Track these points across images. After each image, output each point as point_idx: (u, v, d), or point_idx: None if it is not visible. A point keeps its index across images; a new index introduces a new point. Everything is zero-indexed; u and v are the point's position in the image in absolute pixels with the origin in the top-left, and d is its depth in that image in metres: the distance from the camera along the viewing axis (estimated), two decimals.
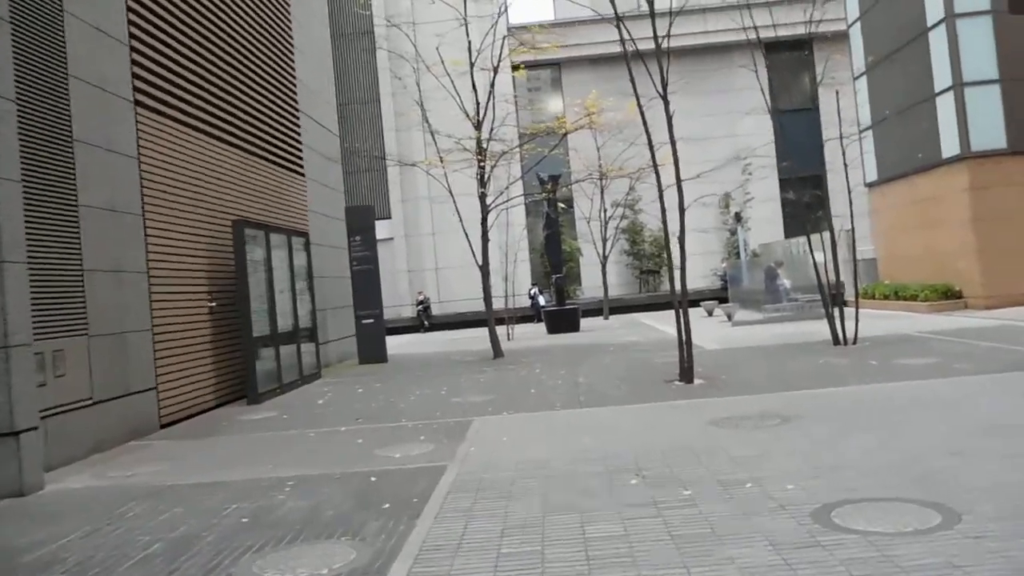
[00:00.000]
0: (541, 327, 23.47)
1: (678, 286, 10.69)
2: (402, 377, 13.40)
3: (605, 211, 27.05)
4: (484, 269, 15.33)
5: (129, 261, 9.41)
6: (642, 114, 10.34)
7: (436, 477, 5.97)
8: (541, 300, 28.82)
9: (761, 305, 19.54)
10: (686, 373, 9.88)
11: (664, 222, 10.69)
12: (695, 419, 7.45)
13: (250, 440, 8.51)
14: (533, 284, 30.31)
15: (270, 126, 14.43)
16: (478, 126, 14.88)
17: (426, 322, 29.78)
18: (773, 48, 33.60)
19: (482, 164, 14.95)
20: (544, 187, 21.95)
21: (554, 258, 23.00)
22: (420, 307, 30.15)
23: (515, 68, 16.68)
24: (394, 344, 22.37)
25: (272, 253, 12.45)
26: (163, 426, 9.78)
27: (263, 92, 14.13)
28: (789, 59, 28.98)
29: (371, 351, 16.65)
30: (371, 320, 16.69)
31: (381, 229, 32.40)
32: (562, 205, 26.49)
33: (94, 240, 8.68)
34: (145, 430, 9.39)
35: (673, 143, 10.33)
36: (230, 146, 12.63)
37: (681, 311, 10.27)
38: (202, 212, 11.42)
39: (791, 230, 30.58)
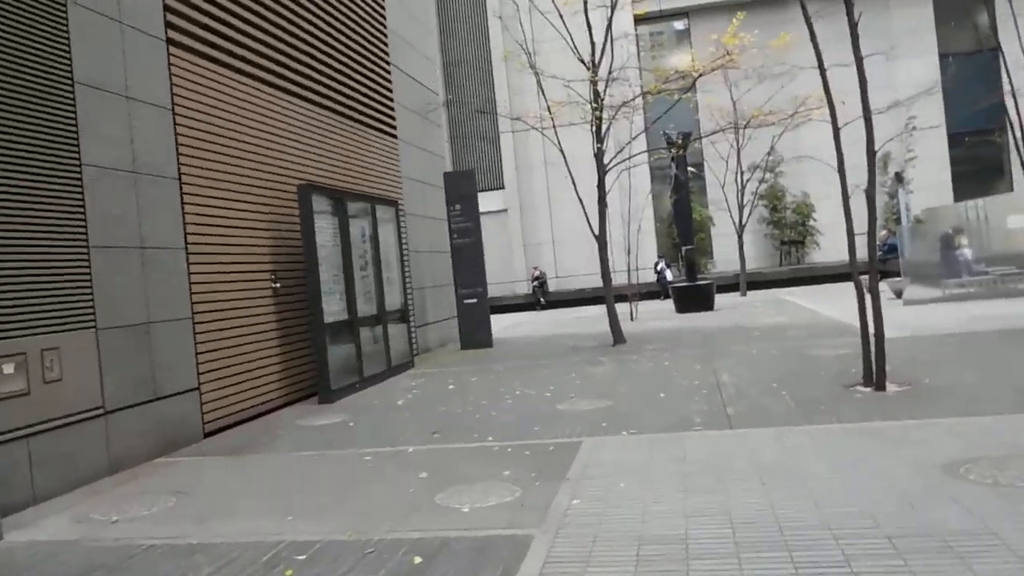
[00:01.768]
0: (669, 305, 20.89)
1: (857, 255, 8.09)
2: (504, 368, 11.30)
3: (742, 174, 24.04)
4: (601, 240, 13.00)
5: (160, 235, 7.63)
6: (809, 25, 7.76)
7: (512, 563, 3.79)
8: (668, 275, 26.17)
9: (940, 280, 16.32)
10: (875, 377, 7.30)
11: (841, 169, 8.05)
12: (916, 460, 4.93)
13: (292, 462, 6.57)
14: (660, 257, 27.61)
15: (353, 79, 12.52)
16: (593, 68, 12.47)
17: (542, 299, 27.69)
18: None
19: (598, 115, 12.56)
20: (672, 146, 19.29)
21: (683, 227, 20.33)
22: (536, 283, 28.07)
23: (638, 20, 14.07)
24: (505, 324, 20.40)
25: (351, 224, 10.55)
26: (207, 435, 8.03)
27: (344, 39, 12.21)
28: None
29: (474, 335, 14.64)
30: (474, 300, 14.66)
31: (494, 200, 30.68)
32: (692, 169, 23.75)
33: (104, 209, 6.91)
34: (184, 440, 7.65)
35: (859, 60, 7.68)
36: (301, 100, 10.78)
37: (866, 289, 7.67)
38: (262, 176, 9.60)
39: (961, 193, 26.64)
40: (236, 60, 9.30)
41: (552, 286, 28.67)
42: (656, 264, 26.95)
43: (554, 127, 13.16)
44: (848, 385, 7.60)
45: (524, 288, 28.82)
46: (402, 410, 8.60)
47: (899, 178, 26.40)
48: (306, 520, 4.81)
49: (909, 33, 27.81)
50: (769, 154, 24.91)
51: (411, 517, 4.71)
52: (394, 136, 14.12)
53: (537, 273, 28.08)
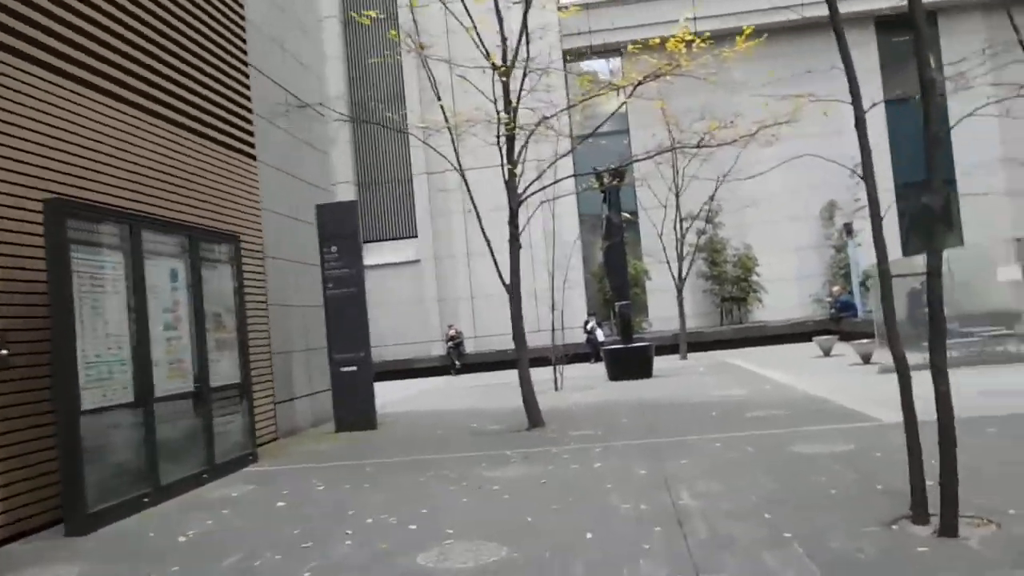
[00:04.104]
0: (600, 369, 17.97)
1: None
2: (373, 467, 8.11)
3: (681, 221, 21.50)
4: (513, 291, 10.06)
5: None
6: (845, 54, 5.04)
7: None
8: (600, 335, 23.31)
9: (919, 343, 13.77)
10: (941, 510, 4.38)
11: (869, 183, 5.17)
12: None
13: None
14: (591, 314, 24.77)
15: (189, 77, 9.44)
16: (504, 63, 9.65)
17: (457, 363, 24.51)
18: (885, 25, 28.20)
19: (509, 126, 9.70)
20: (601, 181, 16.61)
21: (617, 280, 17.51)
22: (451, 344, 24.89)
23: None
24: (411, 393, 17.30)
25: (150, 264, 7.34)
26: None
27: (174, 26, 9.13)
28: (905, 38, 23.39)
29: (352, 413, 11.41)
30: (352, 367, 11.45)
31: (406, 249, 27.57)
32: (626, 214, 21.14)
33: None
34: None
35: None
36: (103, 95, 7.63)
37: (937, 363, 4.78)
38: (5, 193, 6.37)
39: (911, 247, 24.65)
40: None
41: (470, 346, 25.53)
42: (586, 322, 24.11)
43: (452, 140, 10.26)
44: (889, 522, 4.66)
45: (440, 349, 25.61)
46: (173, 556, 5.32)
47: (848, 230, 24.35)
48: None
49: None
50: (708, 203, 22.48)
51: None
52: (250, 156, 10.99)
53: (453, 332, 24.93)
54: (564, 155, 10.62)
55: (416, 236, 26.61)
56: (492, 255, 10.53)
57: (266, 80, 11.74)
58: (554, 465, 7.40)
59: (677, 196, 21.18)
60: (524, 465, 7.56)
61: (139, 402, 6.98)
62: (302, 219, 12.45)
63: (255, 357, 10.47)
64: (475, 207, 10.52)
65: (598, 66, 27.48)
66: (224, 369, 8.70)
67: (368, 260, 27.33)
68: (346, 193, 26.50)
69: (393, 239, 27.10)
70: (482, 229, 10.51)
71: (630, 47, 10.51)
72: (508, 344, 24.81)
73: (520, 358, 10.24)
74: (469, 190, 10.60)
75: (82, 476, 6.11)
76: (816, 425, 8.42)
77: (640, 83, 9.96)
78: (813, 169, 26.21)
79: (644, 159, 12.33)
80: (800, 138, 26.29)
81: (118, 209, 7.36)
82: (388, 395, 17.65)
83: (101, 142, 7.67)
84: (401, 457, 8.68)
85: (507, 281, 10.15)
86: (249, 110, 11.06)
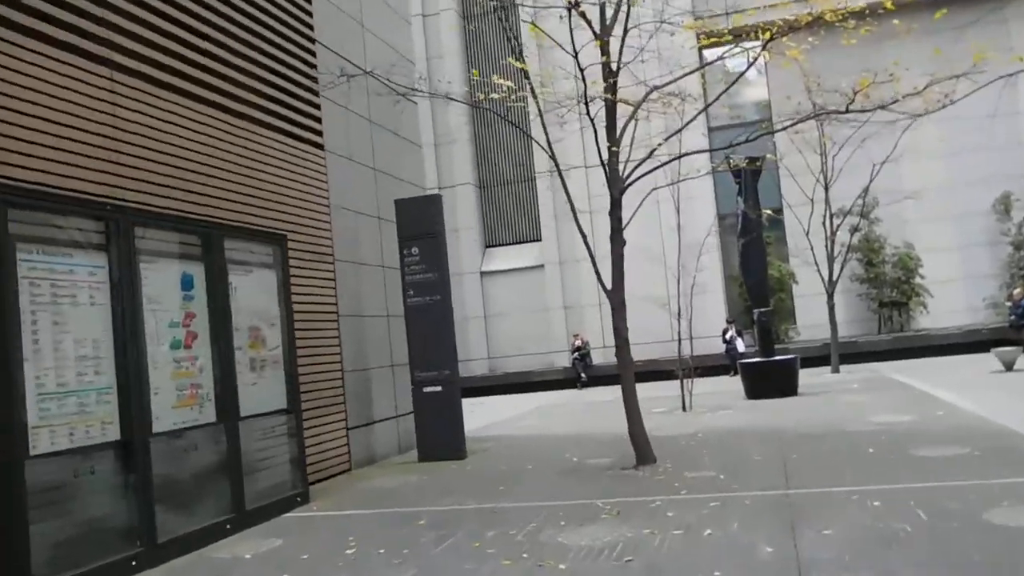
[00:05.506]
0: (739, 383, 15.68)
1: None
2: (427, 522, 6.45)
3: (831, 216, 18.85)
4: (614, 296, 8.25)
5: None
6: None
7: None
8: (740, 345, 20.90)
9: None
10: None
11: None
12: None
13: None
14: (730, 321, 22.32)
15: (237, 53, 8.19)
16: (602, 27, 7.88)
17: (583, 375, 22.67)
18: None
19: (610, 95, 7.90)
20: (735, 175, 14.51)
21: (754, 282, 15.24)
22: (576, 354, 23.09)
23: None
24: (527, 409, 15.80)
25: (149, 269, 6.03)
26: None
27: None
28: None
29: (437, 441, 9.85)
30: (437, 387, 9.90)
31: (528, 254, 26.07)
32: (768, 211, 18.79)
33: None
34: None
35: None
36: (126, 74, 6.42)
37: None
38: None
39: None
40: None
41: (599, 357, 23.60)
42: (725, 331, 21.73)
43: (541, 118, 8.56)
44: None
45: (565, 360, 23.86)
46: None
47: None
48: None
49: None
50: (863, 195, 19.65)
51: None
52: (316, 146, 9.67)
53: (579, 343, 23.11)
54: (682, 128, 8.63)
55: (540, 239, 25.01)
56: (592, 260, 8.80)
57: (337, 58, 10.38)
58: (652, 527, 5.51)
59: (826, 188, 18.57)
60: (612, 525, 5.70)
61: (129, 440, 5.63)
62: (385, 217, 11.04)
63: (322, 377, 9.15)
64: (570, 200, 8.77)
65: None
66: (263, 394, 7.31)
67: (487, 266, 26.29)
68: (466, 195, 25.29)
69: (515, 243, 25.63)
70: (579, 226, 8.78)
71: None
72: (641, 354, 22.89)
73: (624, 380, 8.42)
74: (562, 176, 8.85)
75: (25, 539, 4.78)
76: (1017, 475, 6.13)
77: (775, 36, 7.88)
78: (983, 157, 23.00)
79: (781, 130, 10.11)
80: (966, 119, 23.00)
81: (99, 199, 6.05)
82: (500, 413, 16.15)
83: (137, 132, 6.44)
84: (471, 503, 7.01)
85: (607, 286, 8.34)
86: (315, 92, 9.74)
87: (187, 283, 6.48)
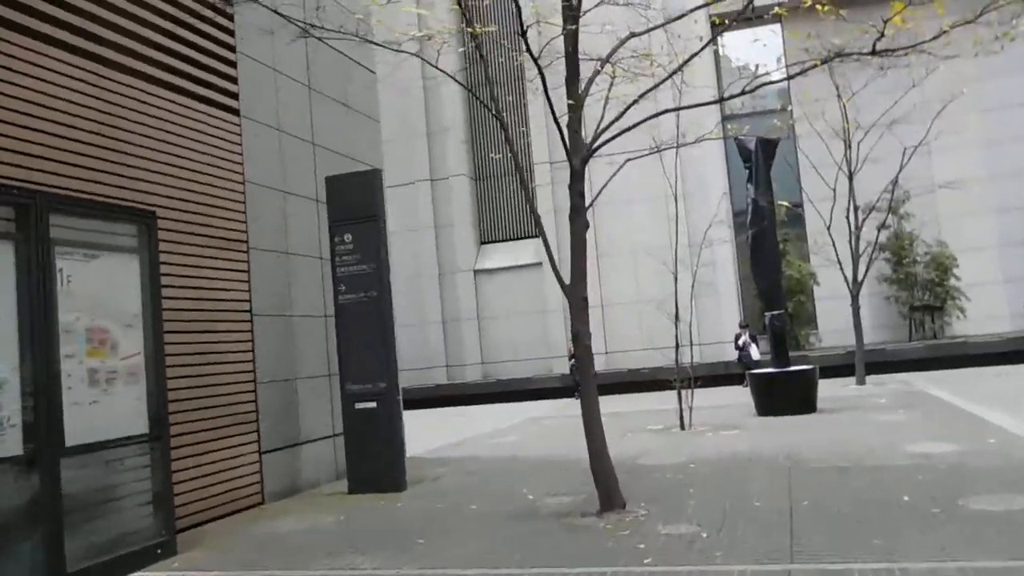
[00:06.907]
0: (749, 395, 13.81)
1: None
2: None
3: (856, 209, 16.93)
4: (574, 288, 6.56)
5: None
6: None
7: None
8: (755, 352, 19.02)
9: None
10: None
11: None
12: None
13: None
14: (744, 326, 20.41)
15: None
16: None
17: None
18: None
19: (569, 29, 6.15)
20: (744, 159, 12.71)
21: (766, 280, 13.36)
22: (573, 361, 21.23)
23: None
24: (504, 425, 14.28)
25: None
26: None
27: None
28: None
29: (370, 468, 8.10)
30: (371, 403, 8.17)
31: (525, 251, 24.27)
32: (784, 203, 17.01)
33: None
34: None
35: None
36: None
37: None
38: None
39: None
40: None
41: (600, 363, 21.81)
42: (738, 336, 19.84)
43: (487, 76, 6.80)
44: None
45: (563, 366, 22.09)
46: None
47: None
48: None
49: None
50: (892, 186, 17.67)
51: None
52: (232, 109, 7.98)
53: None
54: (662, 81, 6.83)
55: (537, 235, 23.25)
56: (549, 254, 7.14)
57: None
58: None
59: (850, 178, 16.67)
60: None
61: None
62: (315, 199, 9.34)
63: (225, 390, 7.50)
64: (525, 182, 7.00)
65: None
66: (109, 415, 5.62)
67: (482, 264, 24.53)
68: (460, 187, 23.57)
69: (511, 239, 23.88)
70: (533, 211, 7.03)
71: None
72: (644, 361, 21.11)
73: (586, 398, 6.68)
74: (508, 139, 7.10)
75: None
76: None
77: None
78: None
79: (790, 78, 8.29)
80: (1006, 107, 21.02)
81: None
82: (482, 425, 14.43)
83: None
84: (366, 566, 5.27)
85: (562, 281, 6.61)
86: (230, 47, 8.05)
87: None
